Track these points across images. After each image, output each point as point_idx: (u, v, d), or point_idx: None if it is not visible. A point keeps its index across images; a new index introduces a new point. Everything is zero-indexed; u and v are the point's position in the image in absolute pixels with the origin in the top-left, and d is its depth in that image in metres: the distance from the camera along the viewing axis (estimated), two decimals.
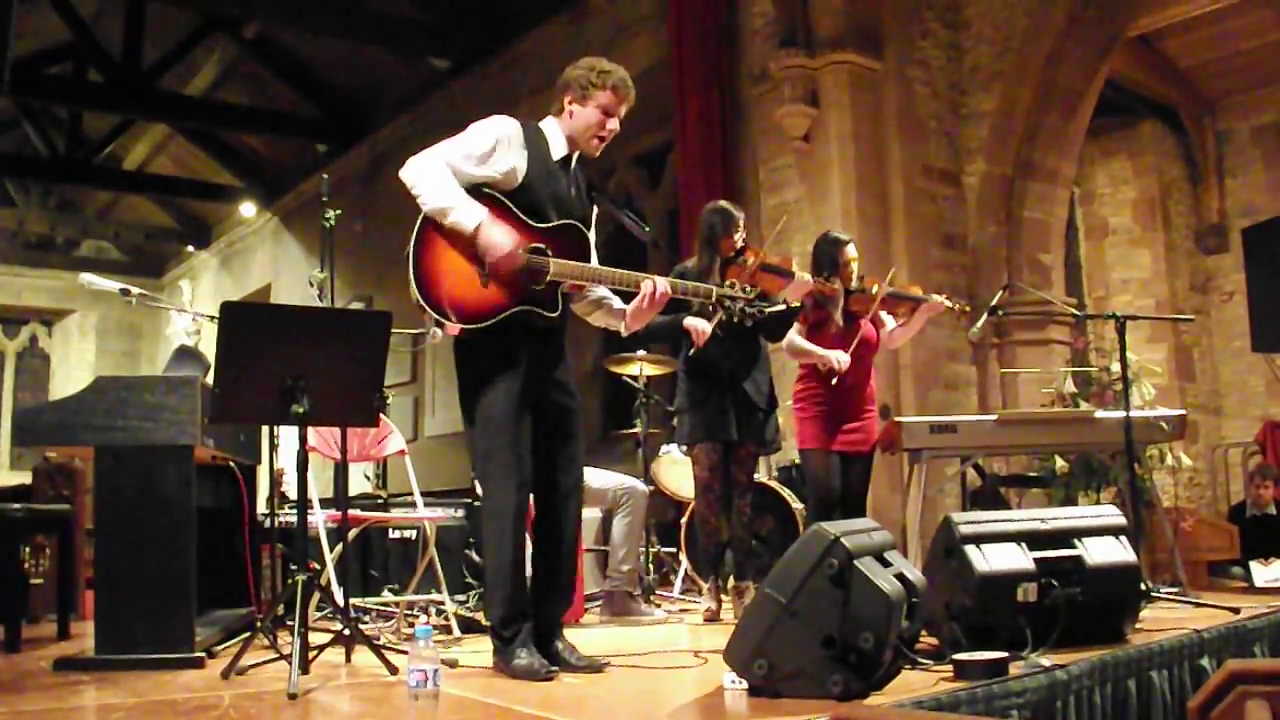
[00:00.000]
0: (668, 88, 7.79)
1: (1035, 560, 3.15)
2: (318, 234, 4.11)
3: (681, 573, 5.91)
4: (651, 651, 3.52)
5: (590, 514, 5.06)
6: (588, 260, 3.17)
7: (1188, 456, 6.52)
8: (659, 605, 5.19)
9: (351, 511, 4.08)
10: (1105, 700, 2.86)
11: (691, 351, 4.35)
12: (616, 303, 3.35)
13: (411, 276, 3.02)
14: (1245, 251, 7.98)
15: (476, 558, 5.06)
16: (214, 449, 3.71)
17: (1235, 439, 9.21)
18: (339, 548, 4.05)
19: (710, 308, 3.33)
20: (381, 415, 3.91)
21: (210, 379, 3.18)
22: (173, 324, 15.65)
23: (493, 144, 3.11)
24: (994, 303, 4.90)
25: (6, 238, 15.86)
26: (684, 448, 5.27)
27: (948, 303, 4.96)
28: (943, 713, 2.35)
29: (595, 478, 4.89)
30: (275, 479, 4.59)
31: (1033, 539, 3.22)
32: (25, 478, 5.76)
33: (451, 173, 3.05)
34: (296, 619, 2.97)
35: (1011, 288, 6.83)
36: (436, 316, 3.03)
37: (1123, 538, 3.39)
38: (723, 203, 4.70)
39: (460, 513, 5.29)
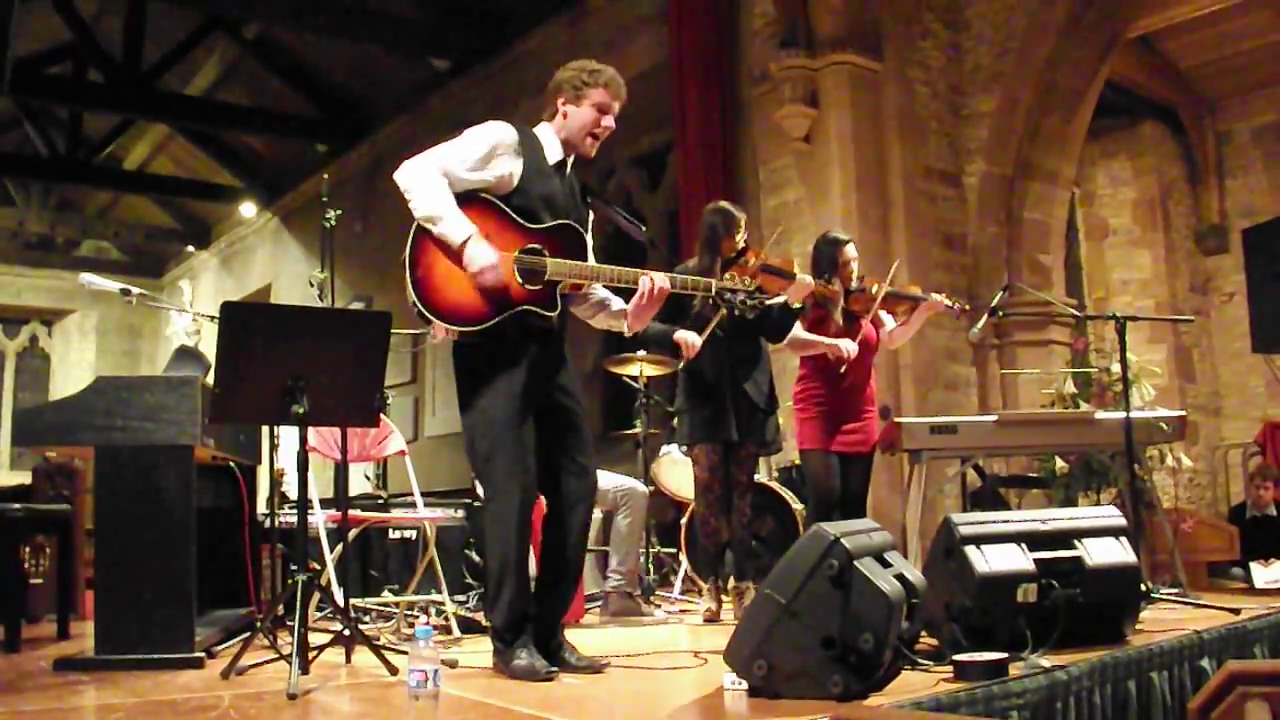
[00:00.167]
0: (668, 88, 7.80)
1: (1035, 561, 3.15)
2: (318, 234, 4.12)
3: (681, 573, 5.91)
4: (651, 652, 3.52)
5: None
6: (585, 261, 3.17)
7: (1188, 457, 6.53)
8: (659, 606, 5.19)
9: (351, 512, 4.09)
10: (1105, 701, 2.86)
11: (681, 365, 4.35)
12: (617, 303, 3.34)
13: (409, 280, 3.03)
14: (1245, 252, 7.98)
15: (476, 558, 5.07)
16: (214, 449, 3.71)
17: (1235, 440, 9.21)
18: (339, 548, 4.05)
19: (710, 302, 3.33)
20: (382, 415, 3.91)
21: (210, 379, 3.18)
22: (173, 324, 15.68)
23: (488, 150, 3.11)
24: (994, 303, 4.90)
25: (6, 238, 15.86)
26: (684, 448, 5.27)
27: (947, 301, 4.97)
28: (942, 713, 2.35)
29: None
30: (275, 479, 4.59)
31: (1033, 540, 3.22)
32: (25, 478, 5.77)
33: (446, 178, 3.05)
34: (296, 619, 2.97)
35: (1011, 288, 6.83)
36: (434, 320, 3.03)
37: (1123, 538, 3.39)
38: (724, 203, 4.70)
39: (460, 513, 5.29)
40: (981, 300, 6.48)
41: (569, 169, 3.28)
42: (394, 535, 5.33)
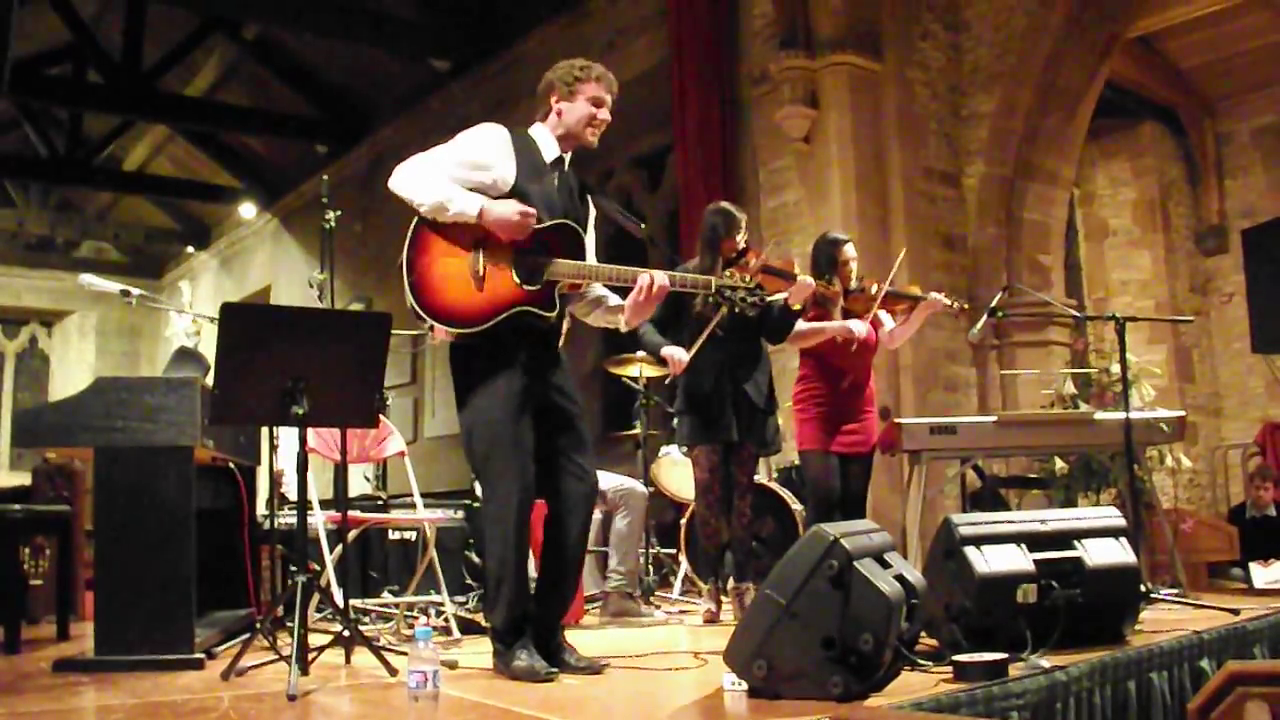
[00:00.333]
0: (668, 89, 7.80)
1: (1035, 562, 3.15)
2: (317, 235, 4.11)
3: (681, 574, 5.91)
4: (651, 653, 3.51)
5: None
6: (583, 260, 3.17)
7: (1187, 458, 6.52)
8: (659, 606, 5.18)
9: (351, 513, 4.08)
10: (1105, 702, 2.86)
11: (668, 380, 4.35)
12: (614, 299, 3.33)
13: (406, 283, 3.03)
14: (1245, 252, 8.00)
15: (476, 559, 5.06)
16: (214, 450, 3.71)
17: (1235, 440, 9.22)
18: (339, 549, 4.05)
19: (711, 301, 3.33)
20: (381, 416, 3.91)
21: (210, 380, 3.18)
22: (172, 325, 15.67)
23: (482, 151, 3.12)
24: (994, 304, 4.90)
25: (6, 238, 15.86)
26: (684, 449, 5.27)
27: (946, 300, 4.96)
28: (942, 714, 2.35)
29: None
30: (275, 480, 4.59)
31: (1032, 540, 3.22)
32: (25, 478, 5.77)
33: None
34: (296, 620, 2.97)
35: (1011, 289, 6.84)
36: (432, 322, 3.03)
37: (1122, 539, 3.39)
38: (725, 204, 4.70)
39: (460, 514, 5.29)
40: (981, 301, 6.48)
41: (567, 167, 3.29)
42: (393, 536, 5.32)
